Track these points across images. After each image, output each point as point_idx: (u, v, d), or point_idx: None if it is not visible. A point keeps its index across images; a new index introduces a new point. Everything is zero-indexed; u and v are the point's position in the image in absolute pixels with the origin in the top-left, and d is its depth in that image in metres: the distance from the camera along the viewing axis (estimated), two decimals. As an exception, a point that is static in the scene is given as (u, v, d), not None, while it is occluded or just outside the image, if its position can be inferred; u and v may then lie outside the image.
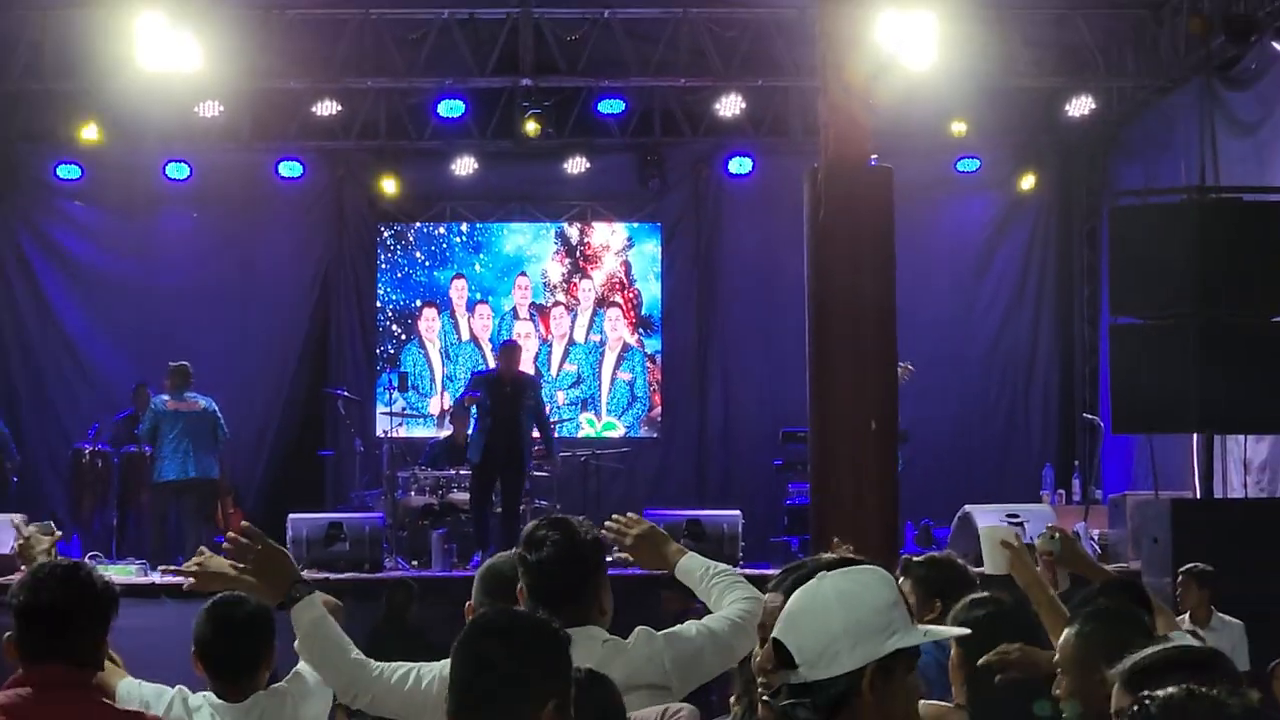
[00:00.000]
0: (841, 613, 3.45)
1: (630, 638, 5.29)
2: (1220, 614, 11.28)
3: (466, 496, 16.34)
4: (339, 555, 15.20)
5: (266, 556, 5.27)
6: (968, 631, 4.42)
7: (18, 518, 7.30)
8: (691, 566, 5.66)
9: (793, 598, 3.54)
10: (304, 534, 15.43)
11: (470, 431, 16.55)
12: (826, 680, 3.39)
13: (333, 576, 14.81)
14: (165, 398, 16.43)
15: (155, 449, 16.31)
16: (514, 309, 20.20)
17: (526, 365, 17.79)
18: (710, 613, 5.53)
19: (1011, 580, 5.99)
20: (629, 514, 5.93)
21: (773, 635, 3.50)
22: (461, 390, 17.48)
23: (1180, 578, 11.51)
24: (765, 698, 3.55)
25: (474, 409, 16.58)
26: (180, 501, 16.44)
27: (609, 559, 5.59)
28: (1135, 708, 2.24)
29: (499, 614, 4.08)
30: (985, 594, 5.10)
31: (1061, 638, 5.05)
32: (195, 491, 16.29)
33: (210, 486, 16.48)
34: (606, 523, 5.80)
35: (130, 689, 5.58)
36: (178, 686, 5.82)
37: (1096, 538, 15.93)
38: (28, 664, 4.92)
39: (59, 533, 6.61)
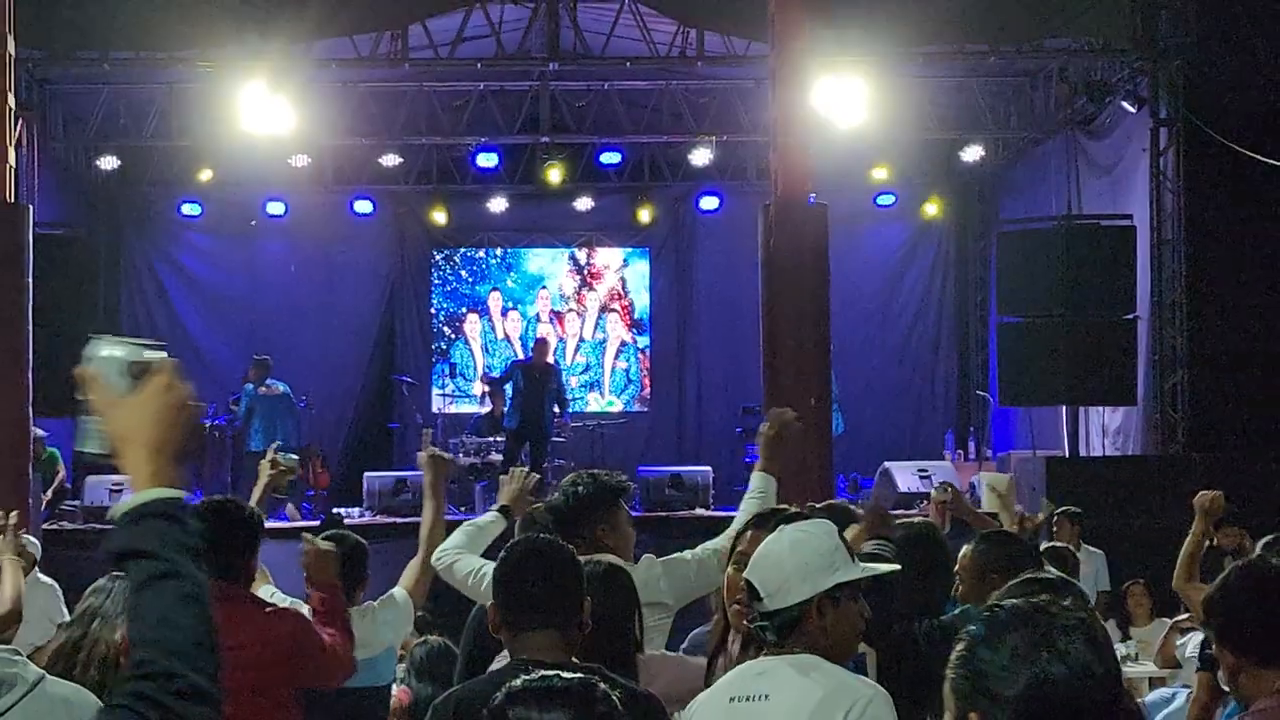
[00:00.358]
0: (792, 556, 3.51)
1: (639, 563, 5.15)
2: (1087, 545, 11.30)
3: (501, 458, 16.37)
4: (403, 504, 15.22)
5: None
6: (897, 567, 4.28)
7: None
8: (756, 484, 5.50)
9: (759, 546, 3.61)
10: (376, 488, 15.54)
11: (506, 407, 16.67)
12: (784, 608, 3.46)
13: (399, 520, 14.82)
14: (252, 386, 16.49)
15: (246, 424, 16.35)
16: (537, 314, 20.26)
17: (550, 357, 17.77)
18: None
19: None
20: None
21: (744, 575, 3.59)
22: (502, 371, 17.47)
23: (1055, 517, 11.52)
24: (745, 621, 3.67)
25: (509, 388, 16.71)
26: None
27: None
28: (988, 612, 2.24)
29: (533, 539, 4.07)
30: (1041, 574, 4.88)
31: (962, 552, 5.02)
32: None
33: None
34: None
35: (270, 592, 5.53)
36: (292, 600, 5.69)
37: (988, 482, 15.91)
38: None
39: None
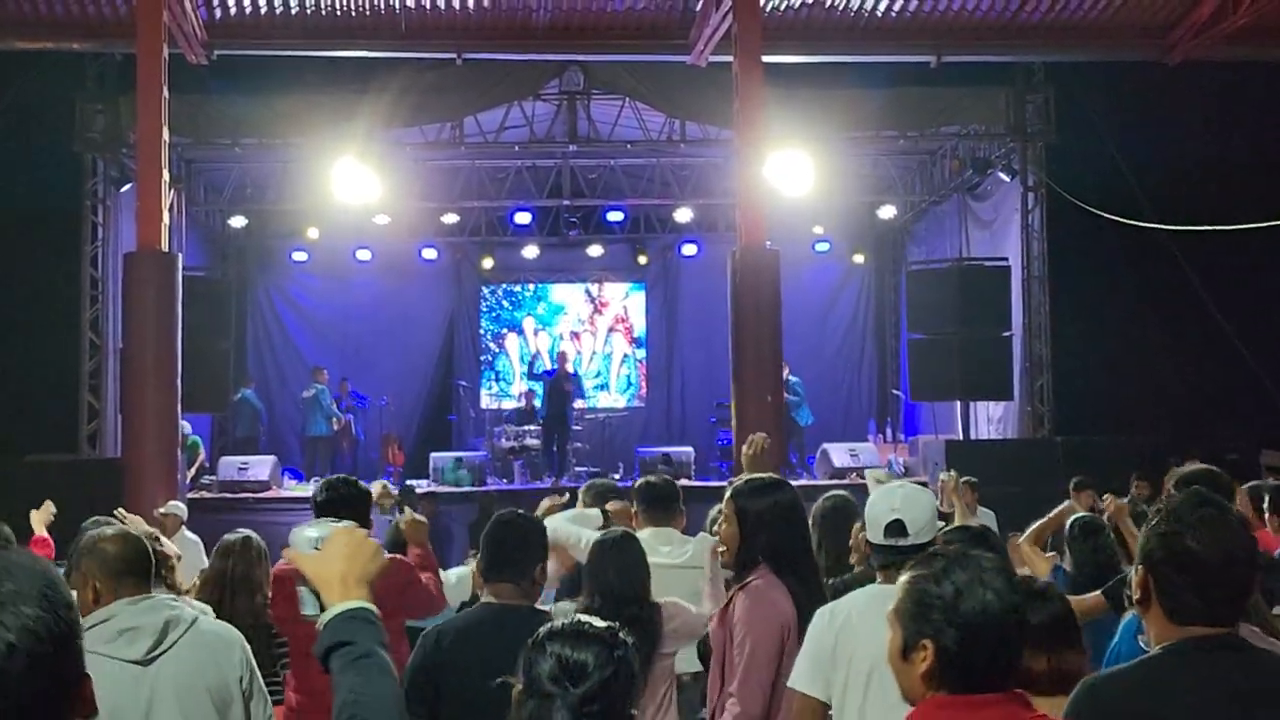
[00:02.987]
0: (930, 506, 3.53)
1: (697, 538, 5.18)
2: (981, 507, 11.24)
3: (536, 443, 16.37)
4: (460, 478, 15.19)
5: None
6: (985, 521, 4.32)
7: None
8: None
9: (893, 490, 3.58)
10: (440, 465, 15.50)
11: (538, 405, 16.75)
12: (924, 543, 3.39)
13: (455, 490, 14.81)
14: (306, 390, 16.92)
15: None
16: (560, 334, 20.20)
17: (569, 366, 17.75)
18: None
19: None
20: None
21: (896, 515, 3.47)
22: (542, 372, 17.42)
23: (960, 484, 11.44)
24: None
25: (541, 392, 16.83)
26: (318, 446, 16.62)
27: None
28: (930, 557, 2.25)
29: (510, 512, 4.02)
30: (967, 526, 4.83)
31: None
32: (315, 443, 16.37)
33: (315, 441, 16.65)
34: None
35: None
36: None
37: (902, 463, 15.91)
38: None
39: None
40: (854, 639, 3.33)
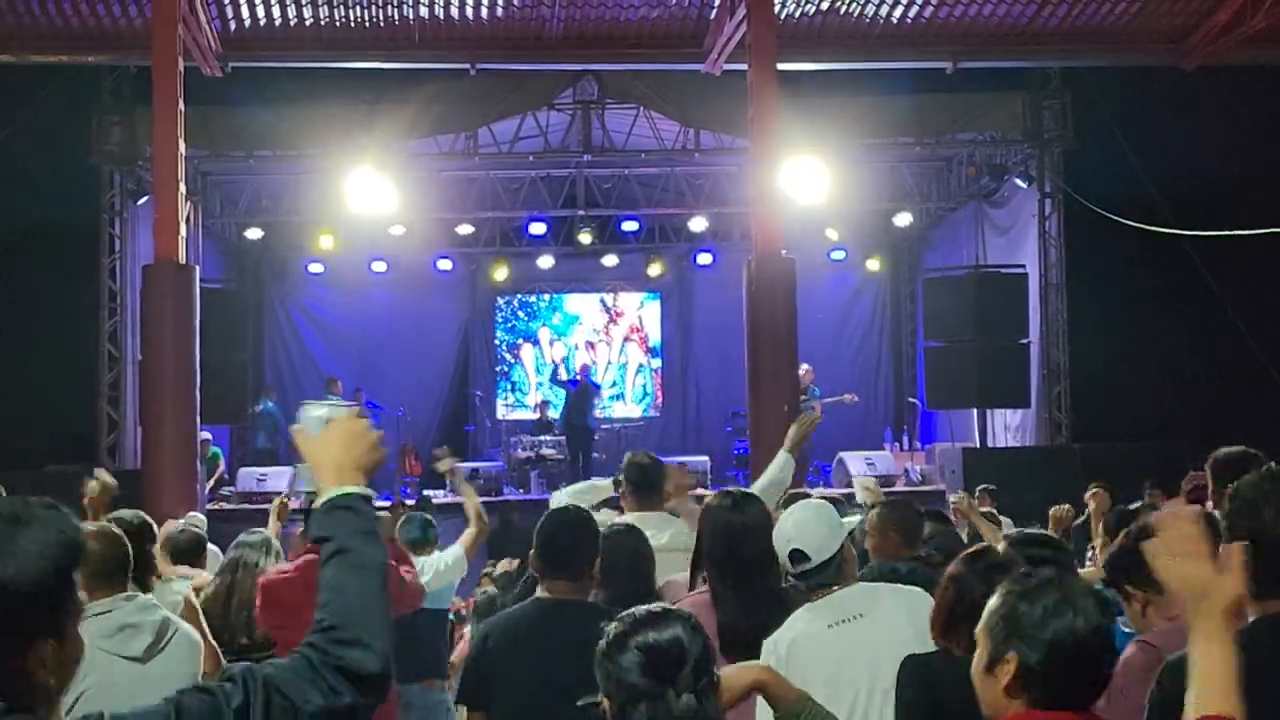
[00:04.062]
0: (821, 523, 3.58)
1: (679, 518, 5.20)
2: (1000, 515, 11.16)
3: (552, 452, 16.36)
4: (478, 487, 15.04)
5: None
6: (859, 518, 4.22)
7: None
8: (780, 458, 5.46)
9: (789, 525, 3.59)
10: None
11: (555, 415, 16.79)
12: (828, 559, 3.52)
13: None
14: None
15: None
16: (575, 344, 20.19)
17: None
18: None
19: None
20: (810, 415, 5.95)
21: (791, 547, 3.53)
22: (565, 381, 17.44)
23: (977, 492, 11.40)
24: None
25: (560, 403, 17.01)
26: None
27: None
28: (1024, 576, 2.30)
29: (565, 509, 4.09)
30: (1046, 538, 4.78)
31: (869, 515, 4.99)
32: None
33: None
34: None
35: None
36: None
37: (919, 470, 15.85)
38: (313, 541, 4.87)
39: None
40: (806, 662, 3.36)
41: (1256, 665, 2.24)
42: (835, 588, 3.50)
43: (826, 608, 3.48)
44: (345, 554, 1.93)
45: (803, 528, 3.55)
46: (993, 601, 2.27)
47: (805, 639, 3.41)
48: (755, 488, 5.10)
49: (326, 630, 1.86)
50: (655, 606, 2.19)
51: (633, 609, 2.18)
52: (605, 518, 4.85)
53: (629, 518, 4.95)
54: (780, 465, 5.38)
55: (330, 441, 2.08)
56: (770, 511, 4.08)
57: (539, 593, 3.93)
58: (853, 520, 3.75)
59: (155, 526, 4.55)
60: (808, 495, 4.06)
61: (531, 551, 3.98)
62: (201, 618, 4.58)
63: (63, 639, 1.72)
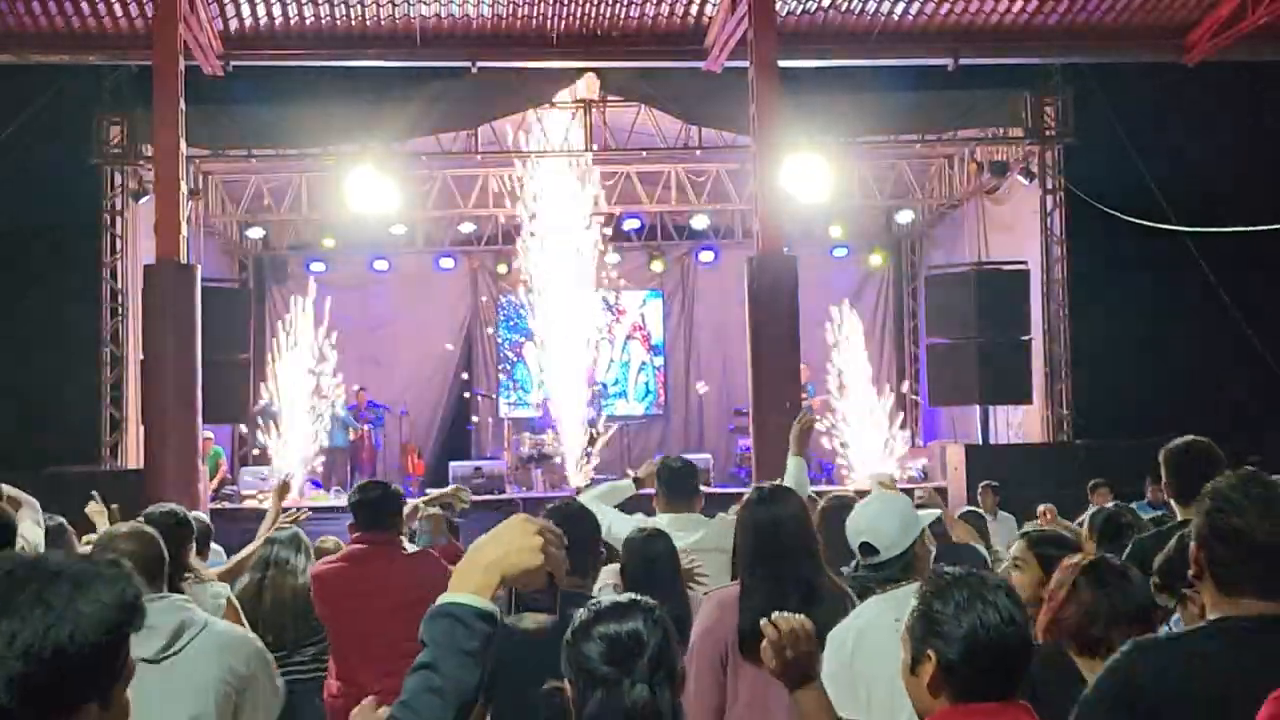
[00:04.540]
0: (893, 517, 3.60)
1: (715, 518, 5.23)
2: (1001, 511, 11.17)
3: (555, 450, 16.32)
4: (480, 486, 15.09)
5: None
6: (936, 513, 4.36)
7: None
8: (791, 466, 5.37)
9: (862, 520, 3.59)
10: (459, 474, 15.36)
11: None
12: (900, 554, 3.53)
13: (475, 498, 14.73)
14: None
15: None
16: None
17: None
18: None
19: None
20: (650, 464, 5.71)
21: (863, 540, 3.53)
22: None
23: (980, 489, 11.41)
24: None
25: None
26: (336, 456, 16.38)
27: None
28: (934, 576, 2.36)
29: (565, 504, 4.11)
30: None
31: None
32: (334, 454, 16.25)
33: (333, 452, 16.30)
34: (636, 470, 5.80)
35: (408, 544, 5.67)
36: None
37: (922, 467, 15.84)
38: (367, 531, 4.98)
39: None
40: (871, 654, 3.38)
41: (1218, 658, 2.35)
42: (904, 583, 3.46)
43: (894, 601, 3.43)
44: (432, 670, 1.84)
45: (874, 521, 3.56)
46: (912, 602, 2.34)
47: (873, 630, 3.40)
48: None
49: None
50: (622, 597, 2.22)
51: (599, 599, 2.23)
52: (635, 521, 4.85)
53: (660, 519, 4.98)
54: (794, 472, 5.29)
55: (490, 542, 1.95)
56: (806, 506, 4.08)
57: None
58: (931, 513, 3.79)
59: (193, 524, 4.54)
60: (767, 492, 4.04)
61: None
62: (243, 617, 4.67)
63: (108, 704, 1.65)
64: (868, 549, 3.53)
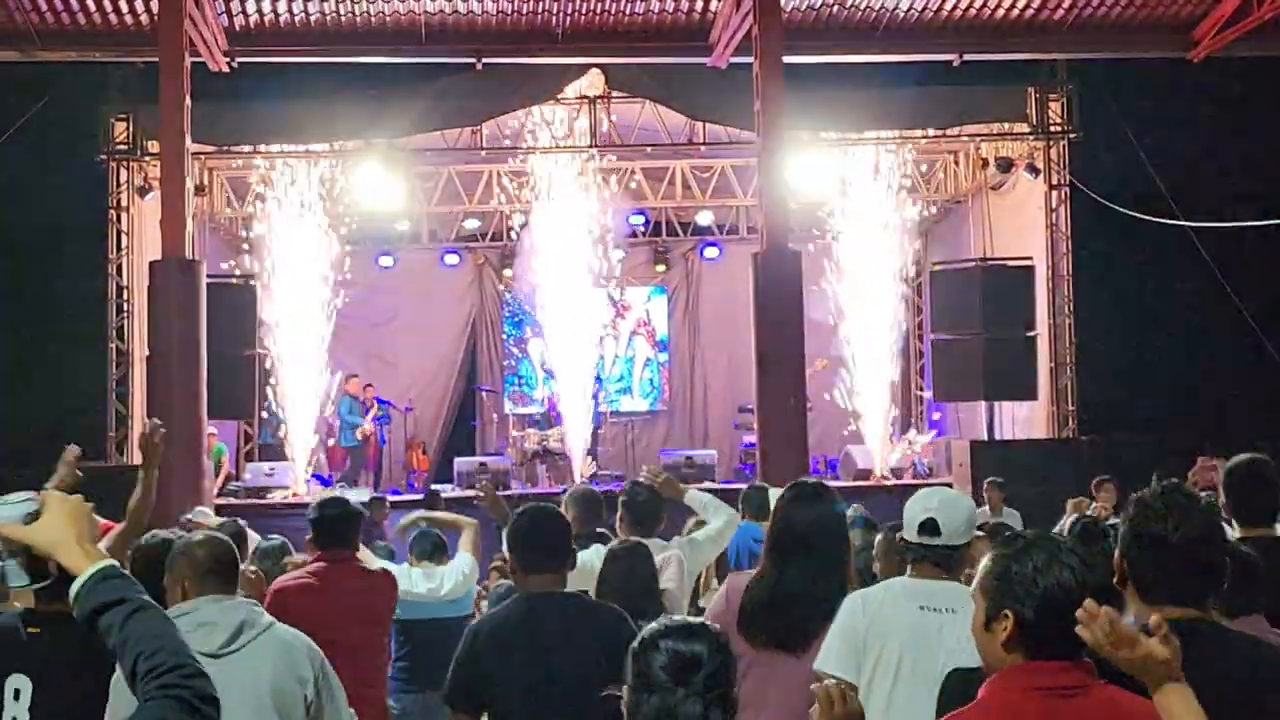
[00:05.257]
0: (966, 509, 3.68)
1: (672, 541, 5.53)
2: (1007, 509, 11.12)
3: (559, 446, 16.31)
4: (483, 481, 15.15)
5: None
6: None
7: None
8: (694, 497, 5.73)
9: (936, 499, 3.65)
10: (463, 469, 15.38)
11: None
12: (958, 546, 3.56)
13: (480, 494, 14.75)
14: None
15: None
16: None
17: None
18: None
19: None
20: (652, 466, 6.30)
21: (930, 514, 3.56)
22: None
23: (986, 485, 11.38)
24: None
25: None
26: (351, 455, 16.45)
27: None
28: (1011, 538, 2.49)
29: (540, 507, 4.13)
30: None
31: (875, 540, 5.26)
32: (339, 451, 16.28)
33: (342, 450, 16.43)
34: (644, 469, 5.90)
35: (367, 556, 5.60)
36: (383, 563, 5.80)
37: (926, 463, 15.81)
38: (326, 550, 5.06)
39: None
40: (886, 625, 3.45)
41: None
42: (945, 579, 3.51)
43: (926, 590, 3.51)
44: (148, 608, 2.11)
45: (947, 505, 3.60)
46: (985, 563, 2.45)
47: (894, 606, 3.50)
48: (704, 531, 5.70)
49: (174, 669, 2.02)
50: (693, 620, 2.35)
51: (671, 619, 2.35)
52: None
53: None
54: (698, 496, 5.75)
55: (59, 524, 2.22)
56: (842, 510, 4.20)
57: (521, 589, 3.94)
58: (981, 527, 3.87)
59: (248, 536, 4.85)
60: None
61: (507, 552, 3.98)
62: None
63: None
64: (931, 526, 3.54)
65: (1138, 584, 2.58)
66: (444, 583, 5.87)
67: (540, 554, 3.84)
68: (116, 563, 2.17)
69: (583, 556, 5.21)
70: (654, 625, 2.32)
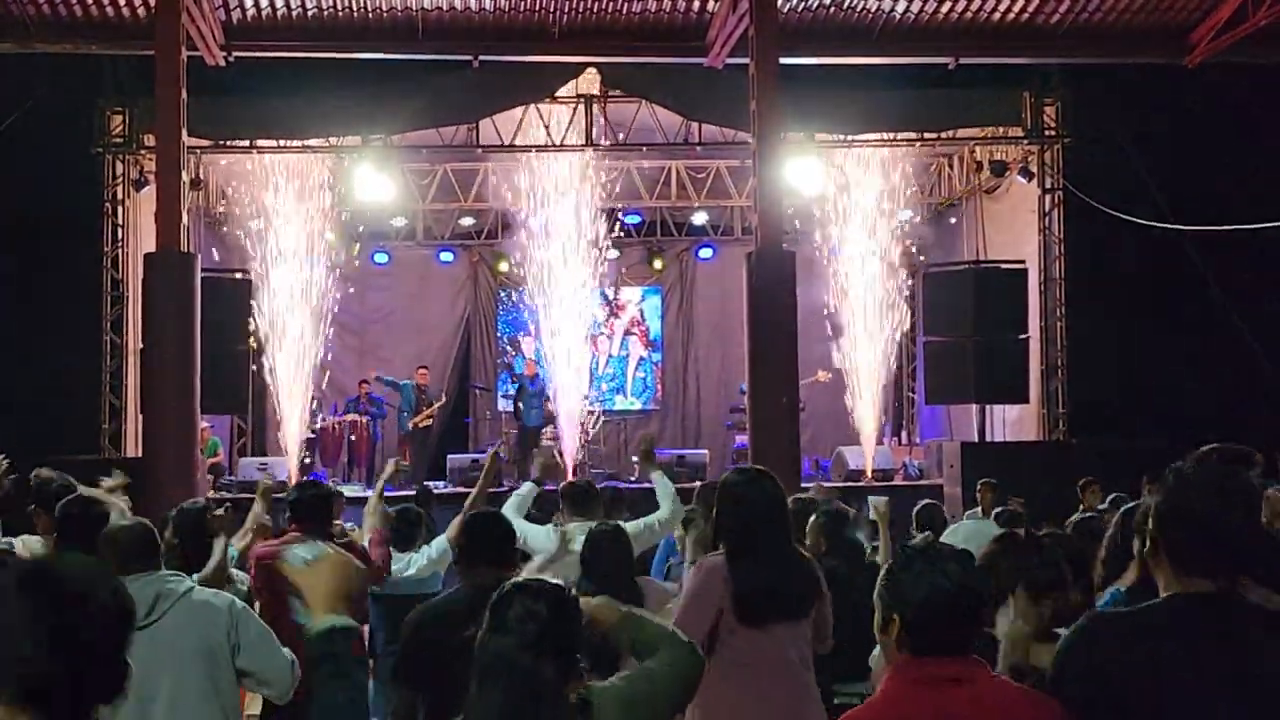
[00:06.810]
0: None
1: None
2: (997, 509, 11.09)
3: (550, 444, 16.29)
4: (475, 478, 15.05)
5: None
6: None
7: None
8: (659, 480, 6.37)
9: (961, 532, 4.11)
10: (456, 465, 15.39)
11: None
12: None
13: (472, 490, 14.74)
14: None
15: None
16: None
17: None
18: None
19: None
20: (646, 433, 6.84)
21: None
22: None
23: (979, 486, 11.37)
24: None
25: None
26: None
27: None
28: (901, 549, 2.68)
29: (487, 512, 4.37)
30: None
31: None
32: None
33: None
34: (640, 435, 6.43)
35: (357, 534, 6.12)
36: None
37: (919, 464, 15.84)
38: (301, 526, 5.19)
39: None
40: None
41: (1168, 635, 2.48)
42: None
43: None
44: (351, 676, 2.38)
45: (969, 540, 3.77)
46: (881, 573, 2.69)
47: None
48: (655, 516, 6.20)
49: None
50: (549, 582, 2.56)
51: (533, 579, 2.61)
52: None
53: (570, 526, 5.62)
54: (662, 483, 6.32)
55: (324, 576, 2.47)
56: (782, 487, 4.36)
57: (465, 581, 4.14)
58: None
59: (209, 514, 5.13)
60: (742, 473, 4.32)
61: (458, 547, 4.24)
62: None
63: None
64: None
65: (1171, 556, 2.59)
66: (409, 567, 6.36)
67: (479, 552, 4.06)
68: (350, 622, 2.36)
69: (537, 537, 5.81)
70: (517, 580, 2.59)
